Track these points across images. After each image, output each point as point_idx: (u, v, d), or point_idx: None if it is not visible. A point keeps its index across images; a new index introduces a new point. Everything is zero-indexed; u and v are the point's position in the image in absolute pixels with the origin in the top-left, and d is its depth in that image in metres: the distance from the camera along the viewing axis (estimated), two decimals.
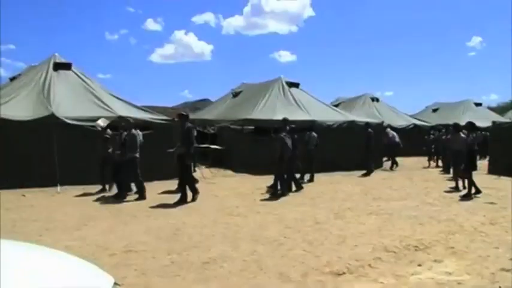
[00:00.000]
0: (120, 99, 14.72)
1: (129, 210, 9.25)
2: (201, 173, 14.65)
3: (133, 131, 10.86)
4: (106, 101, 13.82)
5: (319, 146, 14.48)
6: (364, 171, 16.11)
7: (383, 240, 6.88)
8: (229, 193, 11.66)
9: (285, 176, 11.70)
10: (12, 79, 15.44)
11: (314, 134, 14.47)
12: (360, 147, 16.13)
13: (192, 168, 11.85)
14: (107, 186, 11.47)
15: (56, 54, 15.20)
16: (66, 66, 14.83)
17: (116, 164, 10.87)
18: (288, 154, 11.33)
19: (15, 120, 11.54)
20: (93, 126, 11.72)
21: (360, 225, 7.96)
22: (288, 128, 11.94)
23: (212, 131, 20.70)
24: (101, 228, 7.65)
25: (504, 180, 14.31)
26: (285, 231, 7.49)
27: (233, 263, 5.73)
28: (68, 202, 10.13)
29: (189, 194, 10.25)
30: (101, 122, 11.56)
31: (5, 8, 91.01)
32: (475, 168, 11.64)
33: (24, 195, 10.60)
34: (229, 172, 16.03)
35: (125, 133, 10.90)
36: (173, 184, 11.51)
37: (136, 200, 10.43)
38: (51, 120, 11.86)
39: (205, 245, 6.56)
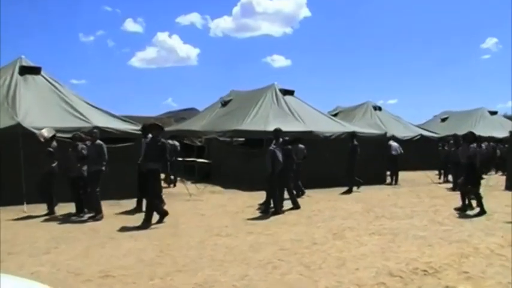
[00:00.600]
0: (97, 108, 14.61)
1: (107, 231, 9.14)
2: (186, 189, 14.57)
3: (99, 141, 10.84)
4: (80, 110, 13.68)
5: (307, 158, 14.43)
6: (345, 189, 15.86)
7: (387, 263, 6.84)
8: (217, 211, 11.60)
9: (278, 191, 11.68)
10: None
11: (301, 146, 14.41)
12: (355, 160, 15.89)
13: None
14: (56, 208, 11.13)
15: (23, 56, 14.96)
16: (35, 71, 14.63)
17: (77, 180, 10.74)
18: (278, 168, 11.29)
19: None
20: (68, 137, 11.34)
21: (362, 247, 7.92)
22: (280, 139, 11.92)
23: (199, 144, 20.72)
24: (73, 251, 7.53)
25: None
26: (279, 253, 7.44)
27: None
28: (35, 222, 9.98)
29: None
30: (45, 132, 11.15)
31: None
32: (479, 182, 11.69)
33: None
34: (218, 188, 15.96)
35: (81, 145, 10.73)
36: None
37: (93, 219, 10.25)
38: (17, 131, 11.67)
39: (192, 269, 6.50)
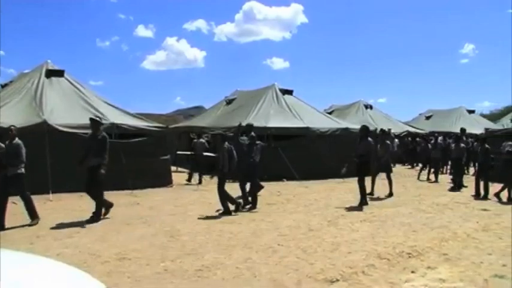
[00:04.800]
0: (114, 107, 14.70)
1: (123, 218, 9.17)
2: (194, 180, 14.61)
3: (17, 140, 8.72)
4: (99, 108, 13.77)
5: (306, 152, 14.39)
6: None
7: (376, 247, 6.90)
8: None
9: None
10: (3, 86, 15.35)
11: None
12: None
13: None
14: None
15: (49, 61, 15.13)
16: (59, 73, 14.76)
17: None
18: (234, 166, 9.94)
19: (5, 128, 11.33)
20: (86, 133, 11.15)
21: (353, 232, 7.98)
22: (251, 135, 11.17)
23: (206, 139, 20.69)
24: (93, 235, 7.60)
25: (497, 186, 14.35)
26: (279, 238, 7.49)
27: (226, 270, 5.72)
28: (60, 210, 10.00)
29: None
30: None
31: None
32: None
33: (15, 203, 10.39)
34: None
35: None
36: (167, 191, 11.41)
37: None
38: (44, 128, 11.76)
39: (199, 253, 6.55)
